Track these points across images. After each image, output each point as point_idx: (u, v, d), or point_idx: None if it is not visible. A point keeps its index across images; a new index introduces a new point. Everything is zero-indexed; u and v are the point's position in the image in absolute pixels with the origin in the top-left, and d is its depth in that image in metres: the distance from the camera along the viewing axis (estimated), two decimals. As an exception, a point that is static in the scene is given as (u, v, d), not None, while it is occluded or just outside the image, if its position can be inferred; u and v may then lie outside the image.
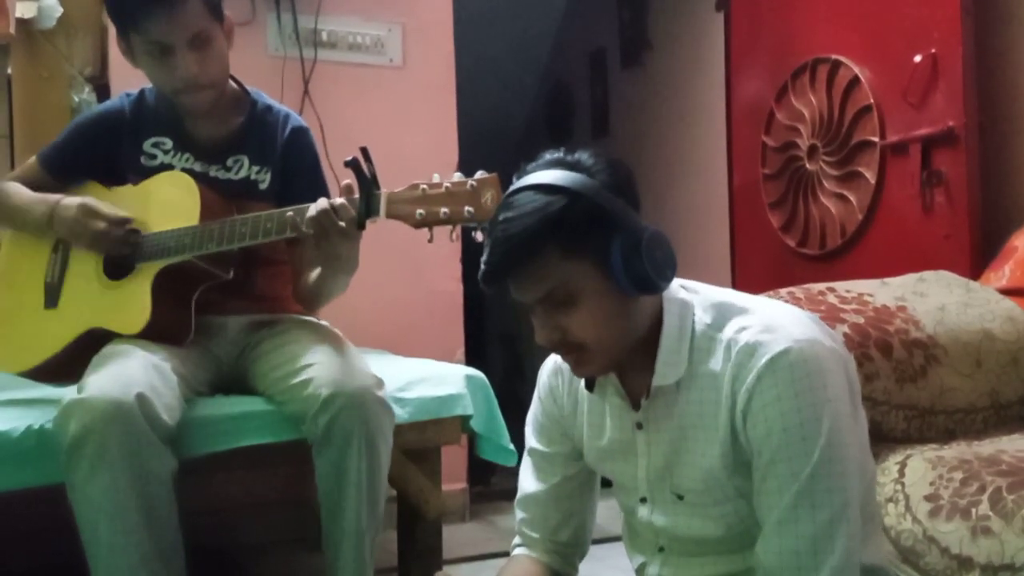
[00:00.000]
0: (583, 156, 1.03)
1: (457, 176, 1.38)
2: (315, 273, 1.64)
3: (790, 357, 0.96)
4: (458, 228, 1.38)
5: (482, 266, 1.01)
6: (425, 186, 1.39)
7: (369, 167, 1.42)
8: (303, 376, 1.54)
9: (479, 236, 1.33)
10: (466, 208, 1.35)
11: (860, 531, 0.98)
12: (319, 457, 1.52)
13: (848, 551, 0.95)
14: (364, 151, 1.42)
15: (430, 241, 1.40)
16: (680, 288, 1.09)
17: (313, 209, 1.46)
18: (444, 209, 1.37)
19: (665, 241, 1.01)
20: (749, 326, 1.01)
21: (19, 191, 1.74)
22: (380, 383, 1.56)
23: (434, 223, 1.38)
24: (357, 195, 1.45)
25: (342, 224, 1.44)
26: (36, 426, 1.48)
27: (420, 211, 1.39)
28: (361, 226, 1.46)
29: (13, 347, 1.73)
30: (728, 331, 1.03)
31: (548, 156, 1.05)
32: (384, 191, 1.43)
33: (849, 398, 1.00)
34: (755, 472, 0.99)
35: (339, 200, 1.46)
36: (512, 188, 1.03)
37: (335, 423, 1.49)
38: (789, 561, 0.95)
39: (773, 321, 1.01)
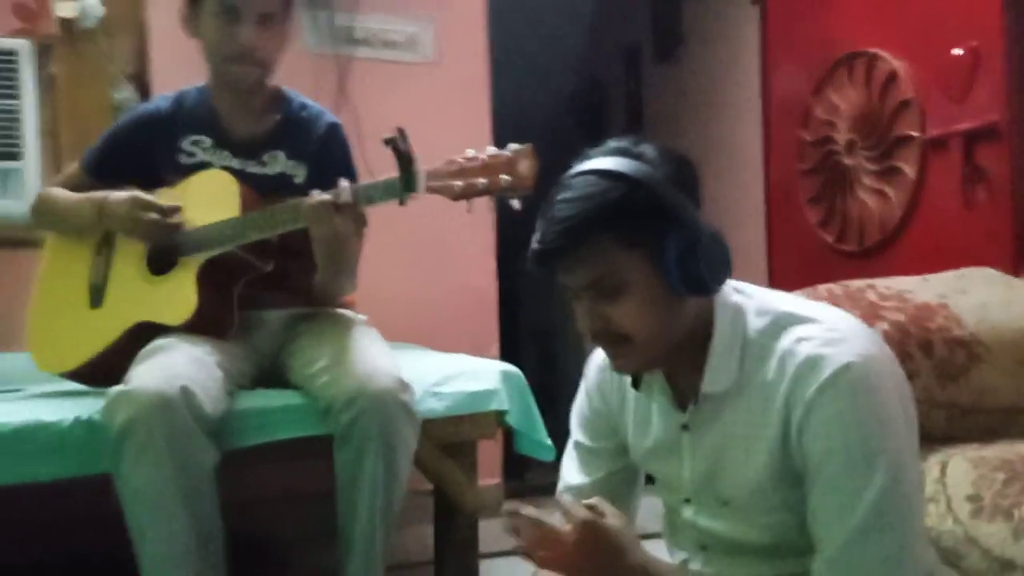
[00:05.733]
0: (648, 148, 1.01)
1: (492, 149, 1.39)
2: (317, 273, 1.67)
3: (853, 373, 0.94)
4: (494, 201, 1.41)
5: (533, 245, 0.99)
6: (462, 160, 1.41)
7: (406, 145, 1.44)
8: (331, 374, 1.57)
9: (516, 204, 1.34)
10: (503, 177, 1.36)
11: (927, 551, 0.97)
12: (338, 453, 1.54)
13: (916, 574, 0.94)
14: (401, 131, 1.45)
15: (468, 212, 1.42)
16: (733, 291, 1.06)
17: (315, 198, 1.49)
18: (482, 180, 1.38)
19: (723, 243, 0.99)
20: (809, 337, 0.98)
21: (65, 195, 1.80)
22: (405, 387, 1.57)
23: (473, 194, 1.40)
24: (396, 175, 1.47)
25: (340, 212, 1.48)
26: (84, 417, 1.51)
27: (458, 183, 1.41)
28: (402, 202, 1.48)
29: (61, 347, 1.76)
30: (785, 341, 1.00)
31: (612, 144, 1.03)
32: (422, 167, 1.45)
33: (906, 415, 0.98)
34: (811, 487, 0.97)
35: (345, 195, 1.49)
36: (572, 171, 1.01)
37: (355, 423, 1.51)
38: None
39: (834, 334, 0.98)
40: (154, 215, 1.67)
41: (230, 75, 1.74)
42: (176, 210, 1.69)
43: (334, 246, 1.56)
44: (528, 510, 1.04)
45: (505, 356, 2.68)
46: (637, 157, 0.99)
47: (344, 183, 1.55)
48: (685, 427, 1.09)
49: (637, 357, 1.04)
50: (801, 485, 0.98)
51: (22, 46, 2.29)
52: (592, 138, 1.07)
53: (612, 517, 1.03)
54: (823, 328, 0.99)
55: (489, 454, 2.61)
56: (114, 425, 1.40)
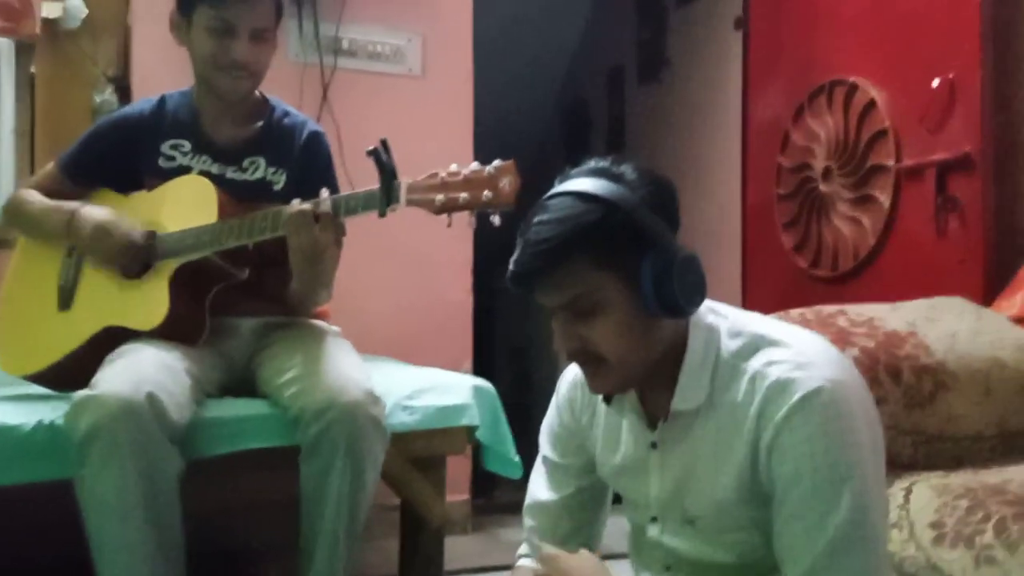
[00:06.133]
0: (627, 169, 1.02)
1: (475, 164, 1.40)
2: (293, 281, 1.67)
3: (822, 397, 0.95)
4: (474, 215, 1.40)
5: (511, 267, 1.00)
6: (444, 174, 1.41)
7: (388, 157, 1.44)
8: (301, 384, 1.56)
9: (496, 220, 1.35)
10: (485, 193, 1.37)
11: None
12: (304, 464, 1.53)
13: None
14: (384, 142, 1.45)
15: (449, 226, 1.42)
16: (708, 312, 1.07)
17: (293, 205, 1.49)
18: (463, 195, 1.38)
19: (697, 266, 1.00)
20: (780, 360, 0.99)
21: (38, 200, 1.78)
22: (376, 400, 1.56)
23: (453, 209, 1.40)
24: (377, 186, 1.47)
25: (318, 226, 1.49)
26: (47, 421, 1.49)
27: (439, 197, 1.41)
28: (382, 214, 1.48)
29: (26, 350, 1.74)
30: (755, 363, 1.01)
31: (593, 164, 1.04)
32: (404, 179, 1.45)
33: (874, 441, 0.99)
34: (778, 509, 0.97)
35: (325, 205, 1.49)
36: (551, 192, 1.02)
37: (324, 435, 1.50)
38: None
39: (804, 358, 0.99)
40: (115, 246, 1.64)
41: (221, 86, 1.73)
42: (137, 244, 1.66)
43: (312, 256, 1.55)
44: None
45: (479, 372, 2.67)
46: (616, 178, 1.00)
47: (325, 193, 1.54)
48: (654, 445, 1.09)
49: (613, 378, 1.04)
50: (768, 505, 0.99)
51: (3, 44, 2.27)
52: (574, 156, 1.08)
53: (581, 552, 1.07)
54: (794, 352, 1.00)
55: (458, 471, 2.60)
56: (78, 430, 1.39)
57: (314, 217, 1.52)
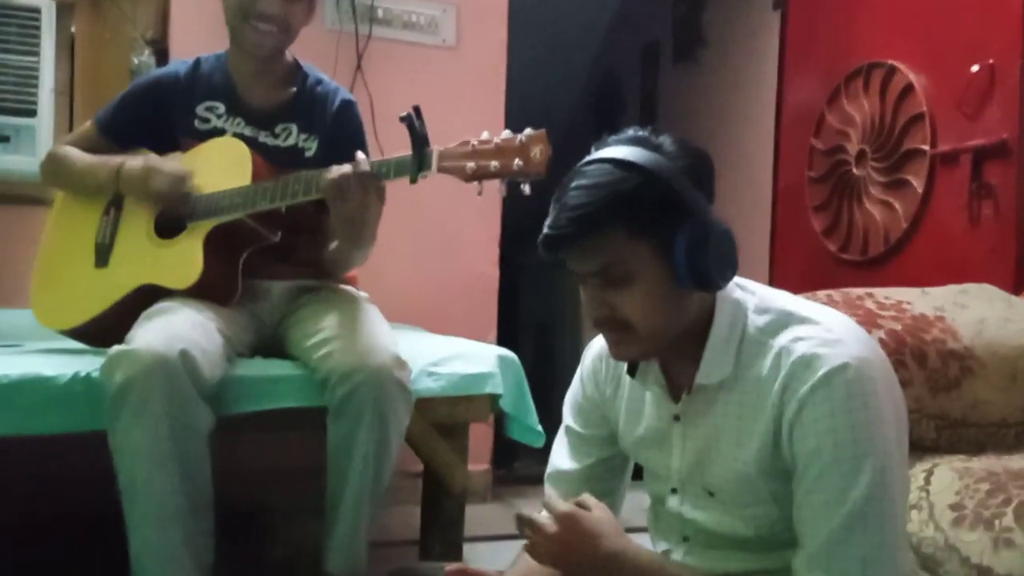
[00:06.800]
0: (666, 139, 1.01)
1: (506, 133, 1.40)
2: (334, 243, 1.68)
3: (847, 374, 0.94)
4: (505, 184, 1.40)
5: (544, 230, 0.99)
6: (475, 142, 1.42)
7: (421, 124, 1.45)
8: (330, 347, 1.58)
9: (527, 189, 1.35)
10: (516, 161, 1.37)
11: (907, 556, 0.97)
12: (331, 426, 1.56)
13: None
14: (416, 109, 1.46)
15: (479, 194, 1.42)
16: (736, 287, 1.06)
17: (335, 171, 1.49)
18: (494, 163, 1.39)
19: (732, 240, 0.99)
20: (806, 337, 0.99)
21: (80, 156, 1.81)
22: (402, 365, 1.58)
23: (484, 176, 1.41)
24: (409, 152, 1.48)
25: (362, 185, 1.48)
26: (83, 374, 1.52)
27: (470, 165, 1.41)
28: (413, 180, 1.49)
29: (63, 305, 1.78)
30: (782, 339, 1.00)
31: (631, 132, 1.03)
32: (436, 147, 1.46)
33: (897, 420, 0.99)
34: (798, 483, 0.98)
35: (365, 166, 1.49)
36: (588, 158, 1.01)
37: (351, 397, 1.52)
38: None
39: (832, 335, 0.98)
40: (165, 181, 1.68)
41: (248, 38, 1.73)
42: (187, 177, 1.70)
43: (356, 217, 1.56)
44: (526, 512, 1.07)
45: (502, 346, 2.70)
46: (655, 148, 0.99)
47: (361, 155, 1.55)
48: (677, 417, 1.10)
49: (638, 345, 1.04)
50: (788, 480, 0.99)
51: (45, 4, 2.30)
52: (605, 131, 1.06)
53: (595, 509, 1.06)
54: (821, 329, 1.00)
55: (480, 441, 2.63)
56: (112, 383, 1.42)
57: (356, 178, 1.52)
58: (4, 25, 2.27)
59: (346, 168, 1.53)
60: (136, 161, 1.72)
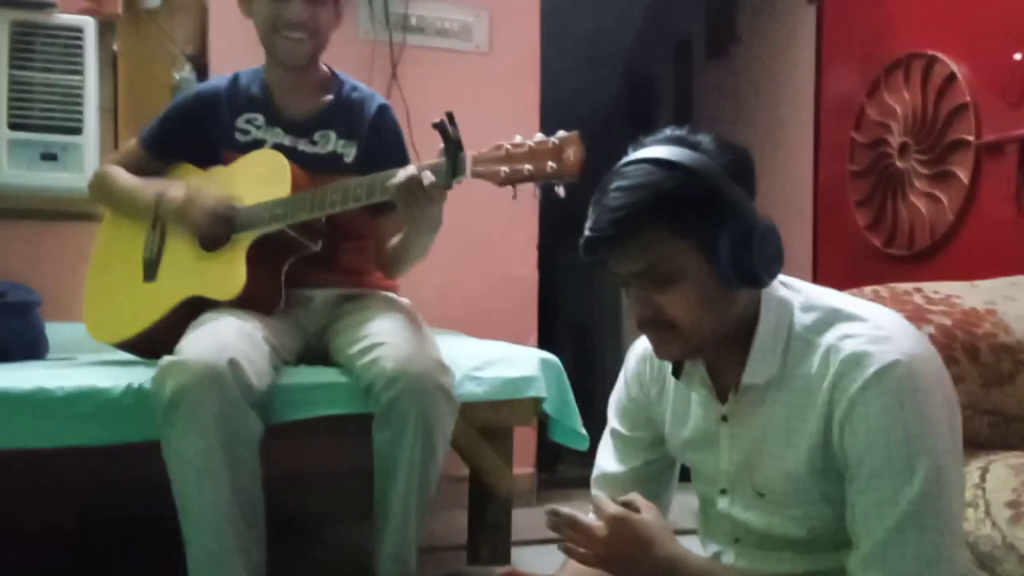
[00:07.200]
0: (705, 138, 1.00)
1: (539, 135, 1.40)
2: (398, 237, 1.69)
3: (899, 371, 0.93)
4: (539, 187, 1.40)
5: (586, 232, 0.99)
6: (508, 146, 1.42)
7: (454, 130, 1.45)
8: (374, 354, 1.59)
9: (561, 191, 1.35)
10: (549, 164, 1.37)
11: (963, 554, 0.95)
12: (377, 432, 1.57)
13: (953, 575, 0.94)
14: (450, 115, 1.46)
15: (514, 198, 1.42)
16: (781, 285, 1.05)
17: (402, 175, 1.50)
18: (528, 166, 1.39)
19: (777, 237, 0.98)
20: (856, 334, 0.97)
21: (125, 178, 1.85)
22: (445, 370, 1.59)
23: (518, 180, 1.40)
24: (443, 158, 1.48)
25: (428, 191, 1.48)
26: (135, 385, 1.55)
27: (504, 169, 1.41)
28: (447, 186, 1.49)
29: (114, 319, 1.81)
30: (830, 336, 0.99)
31: (668, 132, 1.02)
32: (469, 152, 1.46)
33: (950, 416, 0.97)
34: (850, 483, 0.96)
35: (426, 172, 1.50)
36: (627, 159, 1.01)
37: (395, 403, 1.53)
38: None
39: (881, 332, 0.97)
40: (204, 215, 1.69)
41: (282, 49, 1.76)
42: (227, 202, 1.71)
43: (427, 213, 1.55)
44: (565, 509, 1.05)
45: (543, 349, 2.70)
46: (694, 147, 0.99)
47: (428, 174, 1.51)
48: (724, 418, 1.09)
49: (682, 345, 1.03)
50: (840, 480, 0.98)
51: (87, 23, 2.35)
52: (640, 131, 1.06)
53: (646, 511, 1.05)
54: (870, 326, 0.98)
55: (523, 445, 2.63)
56: (164, 393, 1.44)
57: (419, 185, 1.50)
58: (49, 45, 2.32)
59: (412, 170, 1.51)
60: (177, 192, 1.74)
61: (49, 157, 2.34)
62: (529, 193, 1.41)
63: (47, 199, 2.39)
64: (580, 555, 1.05)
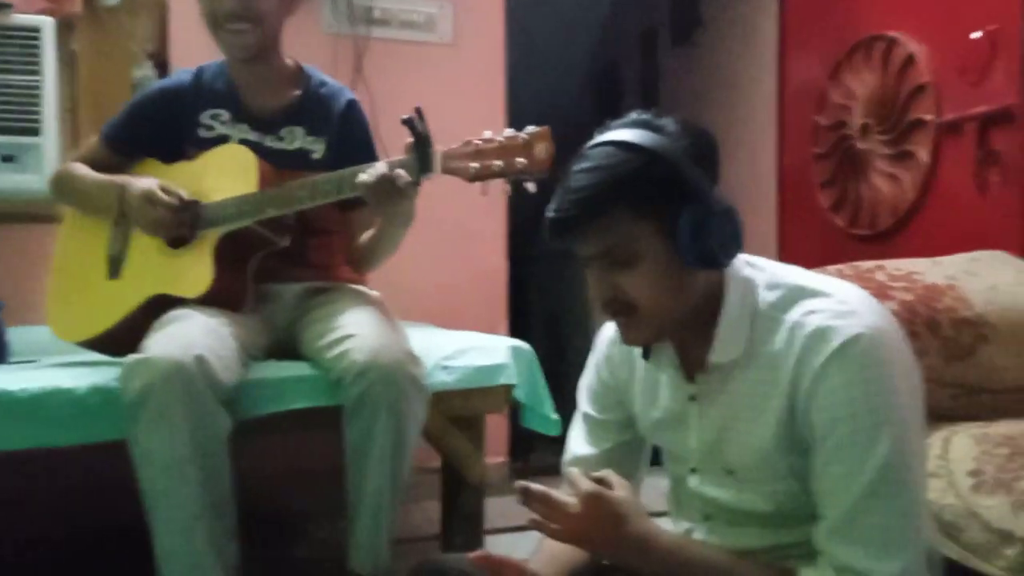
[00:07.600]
0: (668, 121, 1.01)
1: (509, 131, 1.40)
2: (370, 232, 1.68)
3: (862, 344, 0.94)
4: (509, 183, 1.40)
5: (549, 214, 1.00)
6: (478, 141, 1.42)
7: (423, 125, 1.45)
8: (344, 346, 1.58)
9: (531, 187, 1.35)
10: (519, 160, 1.37)
11: (927, 524, 0.96)
12: (348, 425, 1.56)
13: (917, 544, 0.95)
14: (419, 111, 1.45)
15: (484, 194, 1.42)
16: (745, 265, 1.07)
17: (373, 173, 1.49)
18: (497, 162, 1.39)
19: (736, 219, 0.99)
20: (819, 310, 0.99)
21: (86, 173, 1.81)
22: (416, 360, 1.59)
23: (488, 176, 1.40)
24: (413, 154, 1.48)
25: (400, 187, 1.48)
26: (101, 384, 1.54)
27: (474, 165, 1.41)
28: (417, 183, 1.49)
29: (79, 317, 1.79)
30: (794, 313, 1.00)
31: (633, 116, 1.03)
32: (439, 148, 1.46)
33: (912, 388, 0.98)
34: (816, 456, 0.98)
35: (398, 170, 1.49)
36: (592, 142, 1.02)
37: (366, 395, 1.52)
38: (858, 551, 0.94)
39: (845, 307, 0.98)
40: (162, 212, 1.67)
41: (226, 40, 1.73)
42: (185, 207, 1.68)
43: (399, 209, 1.56)
44: (537, 485, 1.05)
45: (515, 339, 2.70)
46: (657, 130, 1.00)
47: (401, 171, 1.51)
48: (693, 398, 1.10)
49: (645, 329, 1.04)
50: (807, 454, 0.99)
51: (45, 23, 2.31)
52: (607, 118, 1.06)
53: (619, 488, 1.05)
54: (833, 301, 1.00)
55: (496, 433, 2.64)
56: (130, 391, 1.43)
57: (392, 183, 1.50)
58: (5, 46, 2.28)
59: (383, 168, 1.51)
60: (135, 189, 1.70)
61: (7, 159, 2.30)
62: (499, 185, 1.41)
63: (6, 202, 2.35)
64: (552, 531, 1.05)
